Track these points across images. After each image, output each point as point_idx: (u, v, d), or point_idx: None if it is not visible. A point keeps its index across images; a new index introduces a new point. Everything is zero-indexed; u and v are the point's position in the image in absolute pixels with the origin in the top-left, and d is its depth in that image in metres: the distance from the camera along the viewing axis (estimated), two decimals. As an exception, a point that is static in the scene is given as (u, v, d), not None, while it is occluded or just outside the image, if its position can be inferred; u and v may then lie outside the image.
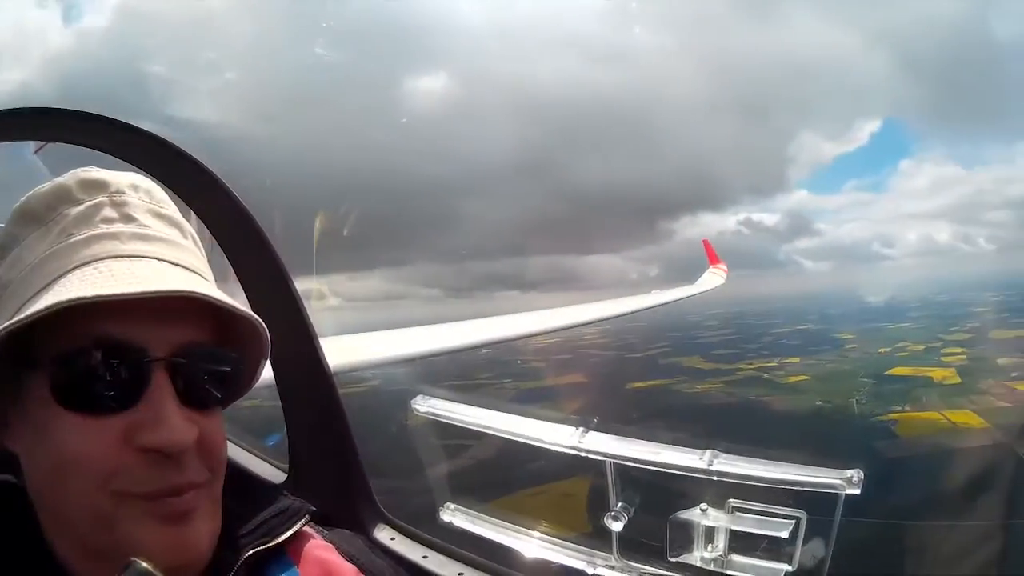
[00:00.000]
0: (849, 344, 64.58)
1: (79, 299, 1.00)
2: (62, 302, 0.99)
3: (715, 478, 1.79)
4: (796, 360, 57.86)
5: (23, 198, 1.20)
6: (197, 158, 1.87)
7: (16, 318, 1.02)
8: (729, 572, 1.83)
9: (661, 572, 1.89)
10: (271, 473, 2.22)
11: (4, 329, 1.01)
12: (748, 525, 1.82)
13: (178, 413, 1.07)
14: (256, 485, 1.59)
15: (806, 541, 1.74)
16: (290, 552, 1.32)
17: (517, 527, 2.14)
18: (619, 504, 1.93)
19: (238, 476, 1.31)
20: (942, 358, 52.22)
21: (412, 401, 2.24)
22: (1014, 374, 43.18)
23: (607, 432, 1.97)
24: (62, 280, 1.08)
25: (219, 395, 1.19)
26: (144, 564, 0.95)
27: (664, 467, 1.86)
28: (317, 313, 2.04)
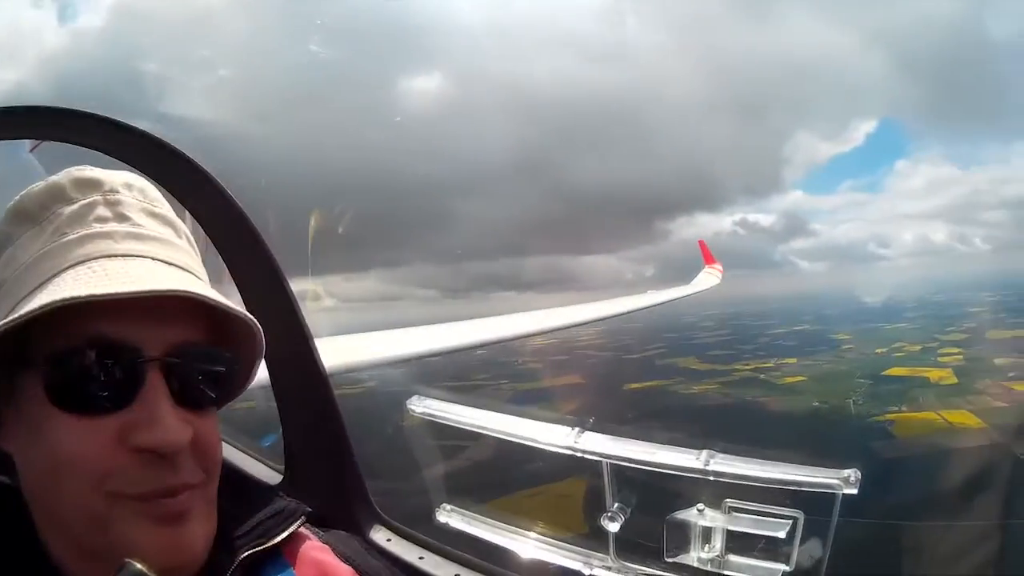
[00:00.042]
0: (845, 345, 64.62)
1: (73, 298, 0.99)
2: (56, 301, 0.99)
3: (712, 478, 1.79)
4: (792, 361, 57.89)
5: (17, 197, 1.20)
6: (192, 157, 1.87)
7: (10, 318, 1.01)
8: (726, 572, 1.82)
9: (658, 573, 1.89)
10: (267, 474, 2.22)
11: None
12: (745, 525, 1.81)
13: (172, 413, 1.07)
14: (251, 486, 1.59)
15: (803, 541, 1.74)
16: (286, 553, 1.32)
17: (513, 528, 2.14)
18: (615, 505, 1.93)
19: (233, 477, 1.31)
20: (939, 358, 52.28)
21: (407, 402, 2.24)
22: (1011, 374, 43.26)
23: (602, 432, 1.97)
24: (56, 279, 1.07)
25: (214, 395, 1.19)
26: (138, 565, 0.95)
27: (660, 467, 1.86)
28: (313, 314, 2.04)
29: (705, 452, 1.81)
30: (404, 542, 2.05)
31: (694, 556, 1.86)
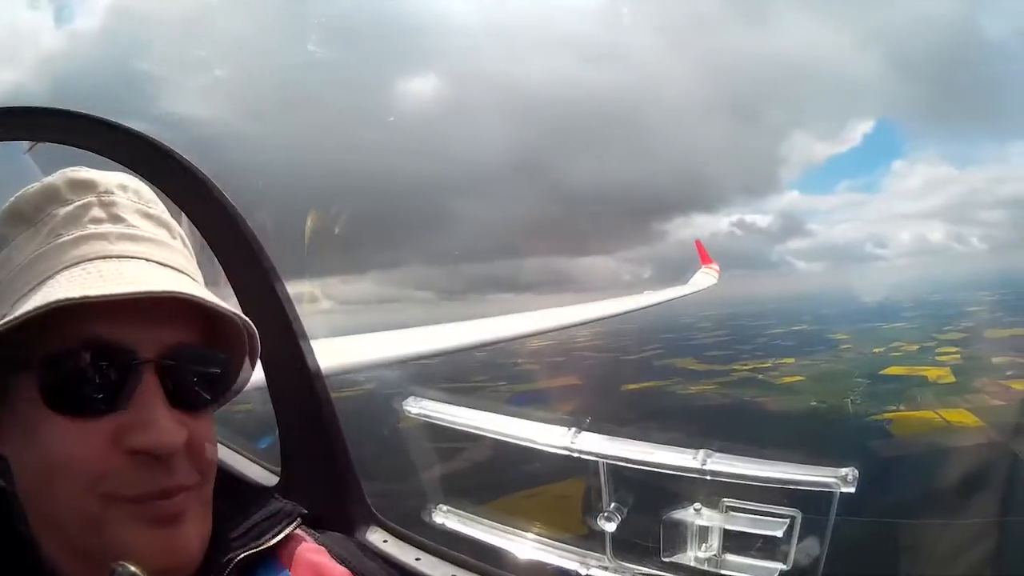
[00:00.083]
0: (843, 344, 64.62)
1: (67, 300, 0.99)
2: (50, 303, 0.99)
3: (709, 477, 1.78)
4: (790, 361, 57.89)
5: (12, 198, 1.20)
6: (187, 158, 1.87)
7: (4, 320, 1.01)
8: (723, 572, 1.82)
9: (655, 572, 1.88)
10: (262, 476, 2.21)
11: None
12: (742, 524, 1.81)
13: (167, 415, 1.07)
14: (247, 488, 1.59)
15: (801, 540, 1.73)
16: (281, 555, 1.32)
17: (510, 529, 2.13)
18: (612, 504, 1.93)
19: (229, 479, 1.31)
20: (937, 357, 52.32)
21: (404, 403, 2.24)
22: (1008, 372, 43.26)
23: (599, 432, 1.97)
24: (50, 281, 1.07)
25: (209, 397, 1.19)
26: (132, 568, 0.95)
27: (657, 467, 1.85)
28: (310, 316, 2.03)
29: (702, 451, 1.81)
30: (400, 543, 2.04)
31: (691, 555, 1.85)
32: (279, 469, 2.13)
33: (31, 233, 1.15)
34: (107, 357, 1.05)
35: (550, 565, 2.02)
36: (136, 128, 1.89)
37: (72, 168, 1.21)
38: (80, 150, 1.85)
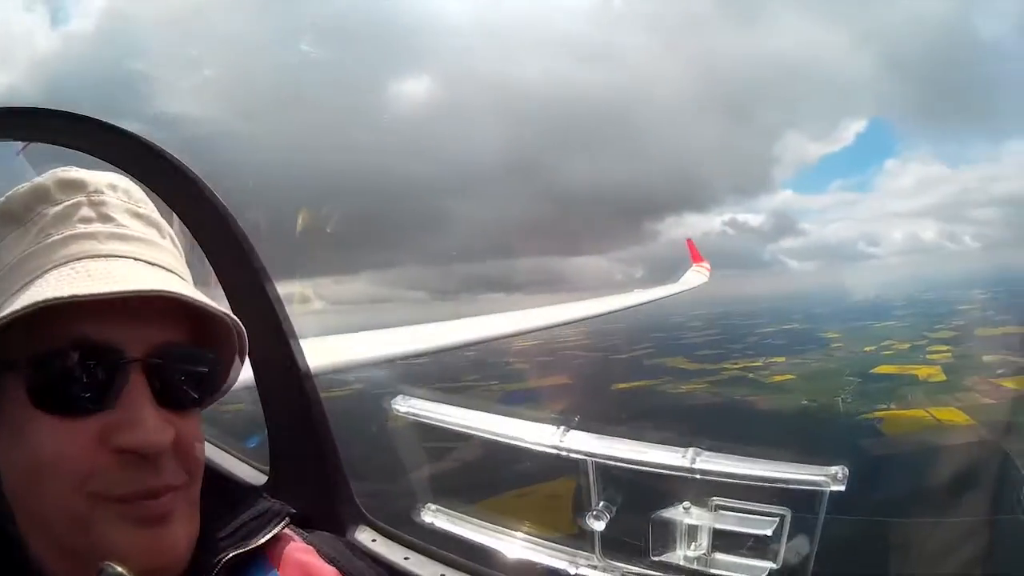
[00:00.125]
0: (834, 343, 64.65)
1: (55, 299, 0.99)
2: (37, 302, 0.99)
3: (698, 476, 1.79)
4: (781, 359, 57.87)
5: (2, 199, 1.20)
6: (178, 158, 1.87)
7: None
8: (713, 571, 1.83)
9: (644, 571, 1.89)
10: (251, 475, 2.21)
11: None
12: (731, 523, 1.81)
13: (154, 414, 1.07)
14: (235, 487, 1.59)
15: (790, 539, 1.74)
16: (270, 555, 1.32)
17: (499, 528, 2.14)
18: (601, 503, 1.93)
19: (217, 478, 1.30)
20: (928, 356, 52.40)
21: (392, 401, 2.24)
22: (999, 371, 43.33)
23: (588, 431, 1.97)
24: (39, 280, 1.07)
25: (196, 396, 1.19)
26: (118, 568, 0.95)
27: (646, 466, 1.86)
28: (302, 317, 2.03)
29: (691, 450, 1.81)
30: (389, 542, 2.04)
31: (680, 554, 1.86)
32: (268, 468, 2.13)
33: (20, 233, 1.15)
34: (95, 356, 1.05)
35: (539, 564, 2.02)
36: (129, 128, 1.89)
37: (62, 168, 1.22)
38: (72, 150, 1.85)
